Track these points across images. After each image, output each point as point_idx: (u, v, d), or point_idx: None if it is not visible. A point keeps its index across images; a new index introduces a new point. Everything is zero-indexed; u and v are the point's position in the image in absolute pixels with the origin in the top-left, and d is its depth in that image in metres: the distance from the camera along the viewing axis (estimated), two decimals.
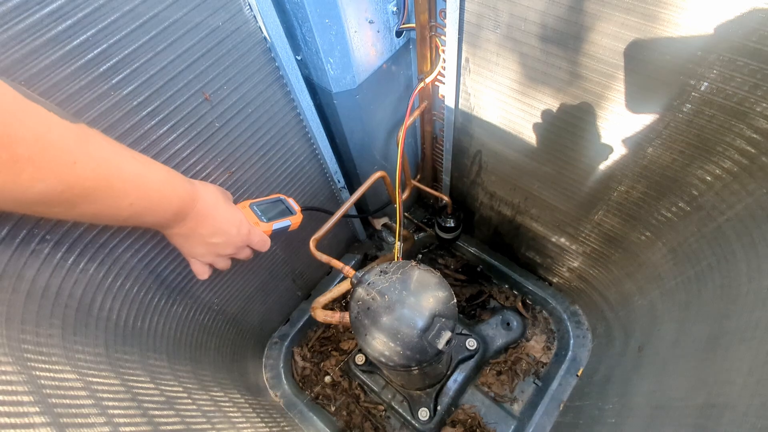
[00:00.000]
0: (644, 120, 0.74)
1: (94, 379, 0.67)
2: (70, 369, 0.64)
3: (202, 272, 0.82)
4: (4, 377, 0.51)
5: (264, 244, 0.86)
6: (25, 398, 0.51)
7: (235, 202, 0.92)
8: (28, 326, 0.62)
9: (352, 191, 1.35)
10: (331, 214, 1.14)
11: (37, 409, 0.50)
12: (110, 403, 0.65)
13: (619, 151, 0.84)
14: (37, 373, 0.57)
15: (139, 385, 0.77)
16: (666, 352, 0.84)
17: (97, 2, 0.58)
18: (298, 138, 1.07)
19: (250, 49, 0.82)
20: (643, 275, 1.02)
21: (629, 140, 0.80)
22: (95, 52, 0.61)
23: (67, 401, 0.57)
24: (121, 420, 0.64)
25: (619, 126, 0.79)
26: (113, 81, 0.65)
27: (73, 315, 0.71)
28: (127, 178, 0.56)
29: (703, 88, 0.64)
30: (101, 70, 0.63)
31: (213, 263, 0.82)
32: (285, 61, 0.87)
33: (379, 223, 1.64)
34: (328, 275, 1.65)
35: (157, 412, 0.74)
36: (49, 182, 0.46)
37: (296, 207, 0.99)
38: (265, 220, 0.89)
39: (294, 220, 0.96)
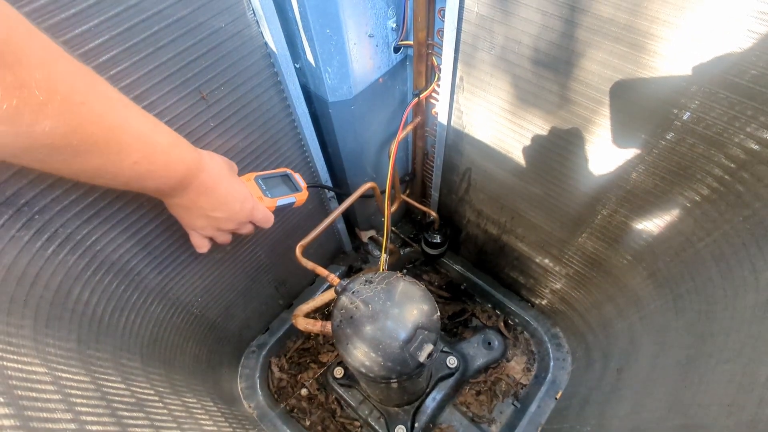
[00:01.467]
0: (630, 146, 0.77)
1: (64, 375, 0.65)
2: (40, 362, 0.62)
3: (201, 245, 0.80)
4: None
5: (267, 220, 0.83)
6: None
7: (241, 173, 0.92)
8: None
9: (340, 202, 1.36)
10: (338, 192, 1.14)
11: (1, 400, 0.48)
12: (78, 401, 0.62)
13: (604, 175, 0.86)
14: (5, 363, 0.55)
15: (110, 384, 0.74)
16: (644, 374, 0.85)
17: None
18: (292, 144, 1.08)
19: (251, 53, 0.83)
20: (624, 299, 1.04)
21: (615, 165, 0.83)
22: (96, 42, 0.61)
23: (34, 395, 0.55)
24: (89, 419, 0.62)
25: (606, 150, 0.82)
26: (111, 72, 0.65)
27: (47, 307, 0.69)
28: (135, 134, 0.54)
29: (685, 118, 0.67)
30: (101, 60, 0.63)
31: (213, 237, 0.79)
32: (284, 67, 0.89)
33: (365, 235, 1.64)
34: (312, 285, 1.64)
35: (126, 413, 0.71)
36: (54, 120, 0.43)
37: (302, 183, 0.95)
38: (269, 195, 0.86)
39: (299, 197, 0.93)
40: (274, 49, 0.84)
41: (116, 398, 0.72)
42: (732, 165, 0.66)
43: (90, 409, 0.64)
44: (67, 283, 0.73)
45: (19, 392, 0.53)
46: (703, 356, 0.67)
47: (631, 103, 0.72)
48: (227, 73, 0.82)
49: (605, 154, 0.83)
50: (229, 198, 0.73)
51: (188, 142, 0.68)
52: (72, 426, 0.58)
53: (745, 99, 0.59)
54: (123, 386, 0.78)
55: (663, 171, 0.76)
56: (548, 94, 0.82)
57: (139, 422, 0.73)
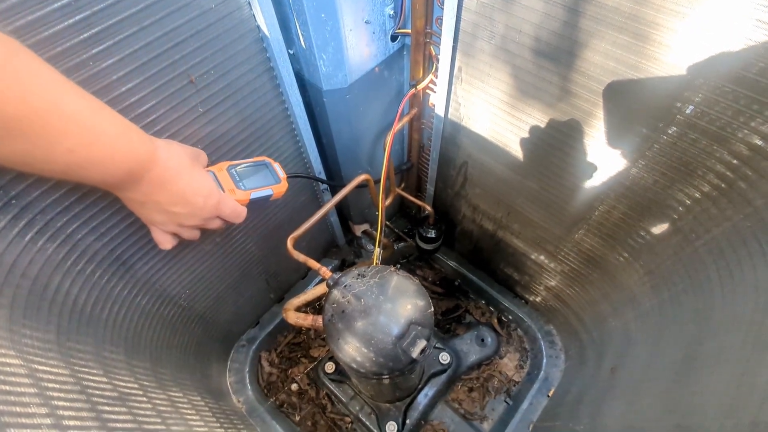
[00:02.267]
0: (630, 140, 0.76)
1: (41, 367, 0.62)
2: (14, 354, 0.59)
3: (163, 241, 0.73)
4: None
5: (237, 215, 0.77)
6: None
7: (216, 161, 0.87)
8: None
9: (334, 194, 1.33)
10: (323, 182, 1.11)
11: None
12: (55, 394, 0.60)
13: (603, 170, 0.85)
14: None
15: (91, 378, 0.72)
16: (639, 374, 0.84)
17: None
18: (284, 134, 1.05)
19: (242, 36, 0.80)
20: (619, 297, 1.02)
21: (614, 160, 0.81)
22: (77, 17, 0.58)
23: (6, 387, 0.52)
24: (66, 413, 0.59)
25: (606, 145, 0.80)
26: (93, 51, 0.62)
27: (24, 296, 0.66)
28: (68, 117, 0.48)
29: (688, 112, 0.65)
30: (82, 37, 0.60)
31: (177, 233, 0.73)
32: (277, 52, 0.86)
33: (359, 229, 1.62)
34: (303, 279, 1.61)
35: (107, 408, 0.68)
36: None
37: (282, 174, 0.88)
38: (243, 187, 0.80)
39: (277, 189, 0.85)
40: (266, 32, 0.81)
41: (97, 392, 0.70)
42: (735, 161, 0.64)
43: (68, 403, 0.62)
44: (46, 273, 0.70)
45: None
46: (701, 356, 0.66)
47: (633, 96, 0.70)
48: (217, 57, 0.79)
49: (605, 149, 0.81)
50: (189, 192, 0.67)
51: (141, 130, 0.61)
52: (47, 421, 0.55)
53: (752, 92, 0.57)
54: (105, 380, 0.76)
55: (663, 167, 0.75)
56: (548, 85, 0.80)
57: (121, 417, 0.71)
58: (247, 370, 1.43)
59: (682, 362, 0.69)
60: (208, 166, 0.82)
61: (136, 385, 0.84)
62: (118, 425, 0.68)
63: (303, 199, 1.28)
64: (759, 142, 0.60)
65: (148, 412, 0.80)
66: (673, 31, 0.59)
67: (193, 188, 0.68)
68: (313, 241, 1.53)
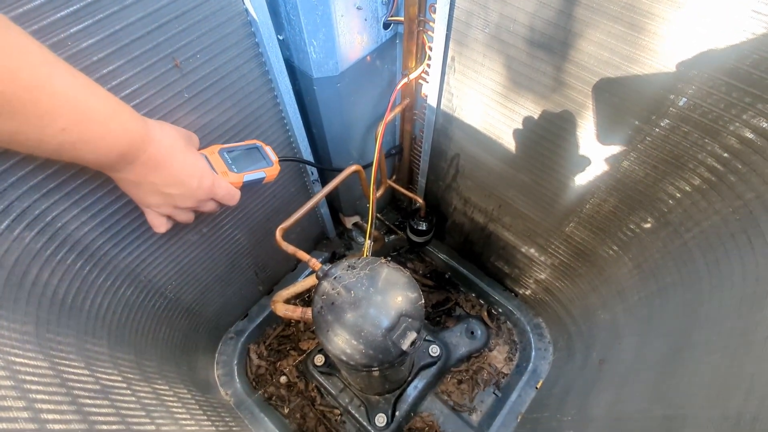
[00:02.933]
0: (622, 132, 0.75)
1: (17, 359, 0.60)
2: None
3: (158, 224, 0.73)
4: None
5: (232, 197, 0.77)
6: None
7: (206, 145, 0.86)
8: None
9: (324, 185, 1.31)
10: (316, 166, 1.10)
11: None
12: (33, 387, 0.58)
13: (595, 163, 0.84)
14: None
15: (72, 370, 0.70)
16: (627, 365, 0.84)
17: None
18: (273, 122, 1.03)
19: (229, 20, 0.78)
20: (608, 290, 1.03)
21: (606, 152, 0.81)
22: None
23: None
24: (45, 406, 0.57)
25: (597, 137, 0.80)
26: (71, 30, 0.59)
27: (0, 286, 0.63)
28: (60, 95, 0.47)
29: (681, 104, 0.65)
30: (59, 15, 0.57)
31: (172, 215, 0.72)
32: (266, 37, 0.83)
33: (349, 221, 1.60)
34: (293, 271, 1.60)
35: (88, 401, 0.67)
36: None
37: (273, 157, 0.88)
38: (235, 170, 0.79)
39: (269, 172, 0.85)
40: (255, 16, 0.79)
41: (78, 385, 0.68)
42: (726, 154, 0.64)
43: (47, 396, 0.60)
44: (24, 263, 0.67)
45: None
46: (688, 348, 0.66)
47: (627, 88, 0.69)
48: (204, 41, 0.76)
49: (595, 142, 0.81)
50: (184, 173, 0.67)
51: (133, 110, 0.60)
52: (24, 414, 0.53)
53: (744, 85, 0.57)
54: (86, 372, 0.74)
55: (655, 160, 0.74)
56: (542, 76, 0.79)
57: (103, 410, 0.69)
58: (235, 362, 1.42)
59: (669, 354, 0.70)
60: (199, 149, 0.80)
61: (119, 378, 0.82)
62: (100, 419, 0.66)
63: (293, 190, 1.26)
64: (750, 135, 0.60)
65: (131, 405, 0.78)
66: (668, 21, 0.59)
67: (188, 169, 0.68)
68: (303, 233, 1.51)
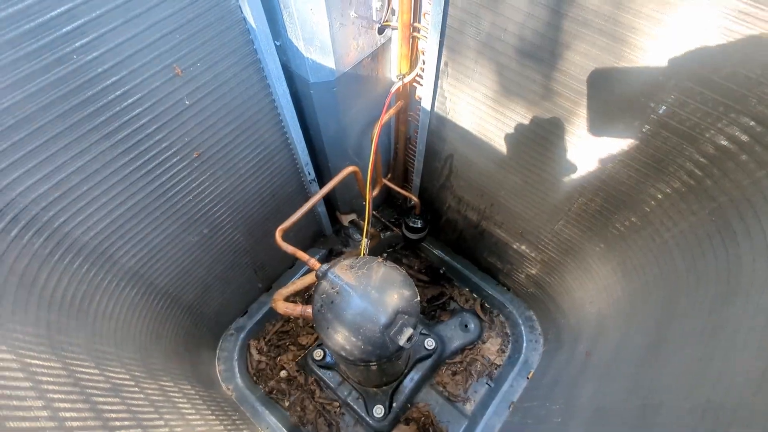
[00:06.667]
0: (608, 138, 0.79)
1: (33, 361, 0.63)
2: (7, 349, 0.59)
3: None
4: None
5: None
6: None
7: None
8: None
9: (321, 185, 1.34)
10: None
11: None
12: (50, 387, 0.61)
13: (582, 165, 0.88)
14: None
15: (83, 370, 0.73)
16: (609, 357, 0.89)
17: None
18: (271, 125, 1.05)
19: (228, 28, 0.80)
20: (594, 285, 1.08)
21: (593, 155, 0.84)
22: (59, 10, 0.57)
23: (2, 382, 0.53)
24: (62, 405, 0.61)
25: (585, 142, 0.83)
26: (76, 44, 0.61)
27: (12, 292, 0.66)
28: None
29: (661, 111, 0.68)
30: (64, 30, 0.59)
31: None
32: (263, 44, 0.86)
33: (346, 219, 1.63)
34: (291, 268, 1.63)
35: (101, 399, 0.70)
36: None
37: None
38: None
39: None
40: (253, 24, 0.81)
41: (90, 384, 0.71)
42: (702, 160, 0.68)
43: (63, 396, 0.63)
44: (33, 268, 0.70)
45: None
46: (664, 342, 0.71)
47: (611, 96, 0.73)
48: (204, 49, 0.78)
49: (584, 145, 0.84)
50: None
51: None
52: (44, 413, 0.56)
53: (718, 96, 0.61)
54: (97, 371, 0.77)
55: (637, 163, 0.78)
56: (531, 83, 0.82)
57: (115, 407, 0.72)
58: (236, 358, 1.45)
59: (647, 348, 0.74)
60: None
61: (127, 376, 0.85)
62: (113, 415, 0.70)
63: (290, 191, 1.28)
64: (725, 143, 0.64)
65: (141, 402, 0.81)
66: (649, 35, 0.62)
67: None
68: (301, 231, 1.54)
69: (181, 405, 0.96)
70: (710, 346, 0.58)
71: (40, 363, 0.64)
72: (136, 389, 0.84)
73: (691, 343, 0.63)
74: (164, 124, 0.80)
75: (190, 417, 0.95)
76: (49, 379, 0.63)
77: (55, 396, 0.61)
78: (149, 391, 0.87)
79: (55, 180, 0.69)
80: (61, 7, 0.58)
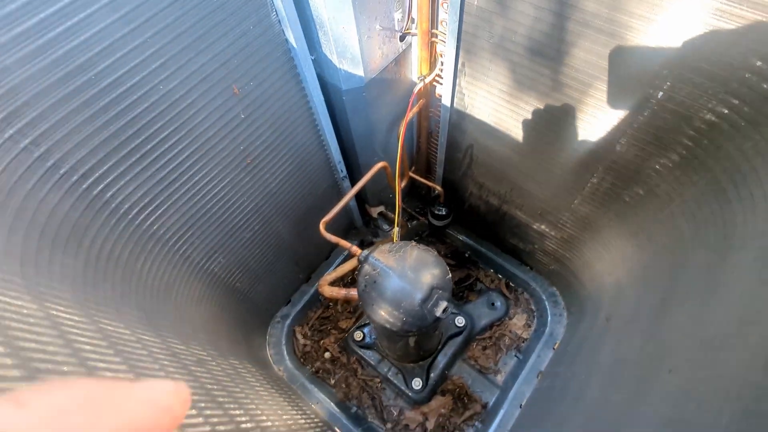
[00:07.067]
0: (614, 121, 0.88)
1: (143, 337, 0.77)
2: (127, 330, 0.74)
3: None
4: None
5: None
6: (102, 343, 0.61)
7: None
8: (105, 306, 0.72)
9: (352, 181, 1.47)
10: None
11: (118, 358, 0.61)
12: (161, 356, 0.75)
13: (592, 148, 0.98)
14: (101, 322, 0.67)
15: (177, 346, 0.87)
16: (627, 318, 0.99)
17: (158, 6, 0.68)
18: (308, 130, 1.18)
19: (274, 49, 0.93)
20: (611, 257, 1.17)
21: (602, 138, 0.94)
22: (150, 52, 0.71)
23: (128, 349, 0.68)
24: (171, 370, 0.75)
25: (594, 126, 0.93)
26: (163, 76, 0.75)
27: (119, 282, 0.81)
28: None
29: (659, 96, 0.78)
30: (153, 67, 0.73)
31: None
32: (302, 60, 0.98)
33: (375, 211, 1.76)
34: (327, 260, 1.77)
35: (194, 368, 0.84)
36: None
37: None
38: None
39: None
40: (294, 44, 0.94)
41: (183, 356, 0.86)
42: (696, 135, 0.77)
43: (168, 363, 0.77)
44: (132, 259, 0.85)
45: (121, 347, 0.65)
46: (673, 299, 0.80)
47: (614, 85, 0.82)
48: (255, 69, 0.91)
49: (593, 130, 0.94)
50: None
51: None
52: (161, 374, 0.71)
53: (707, 80, 0.70)
54: (183, 347, 0.91)
55: (642, 142, 0.88)
56: (542, 78, 0.92)
57: (205, 375, 0.87)
58: (283, 343, 1.60)
59: (658, 305, 0.84)
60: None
61: (205, 353, 1.00)
62: (204, 381, 0.84)
63: (325, 187, 1.41)
64: (714, 119, 0.73)
65: (220, 374, 0.96)
66: (643, 33, 0.71)
67: None
68: (335, 225, 1.67)
69: (248, 378, 1.11)
70: (707, 299, 0.67)
71: (149, 339, 0.78)
72: (214, 363, 0.99)
73: (693, 300, 0.72)
74: (225, 136, 0.94)
75: (258, 388, 1.10)
76: (158, 350, 0.77)
77: (165, 363, 0.75)
78: (225, 365, 1.02)
79: (147, 187, 0.84)
80: (149, 50, 0.71)
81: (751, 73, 0.64)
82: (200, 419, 0.67)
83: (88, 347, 0.58)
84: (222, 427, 0.71)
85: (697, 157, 0.78)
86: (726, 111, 0.70)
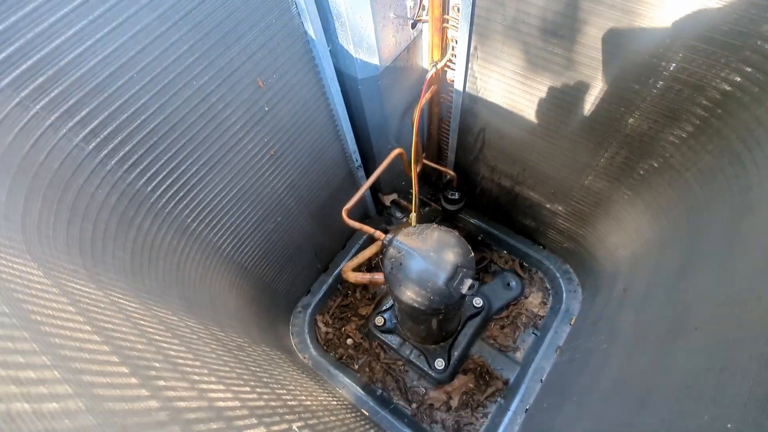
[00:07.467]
0: (627, 96, 0.91)
1: (189, 323, 0.81)
2: (175, 317, 0.78)
3: None
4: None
5: None
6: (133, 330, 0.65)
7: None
8: (153, 295, 0.75)
9: (366, 170, 1.50)
10: None
11: (176, 341, 0.65)
12: (208, 340, 0.79)
13: (605, 123, 1.01)
14: (153, 308, 0.71)
15: (218, 333, 0.91)
16: (645, 288, 1.03)
17: (191, 5, 0.71)
18: (326, 120, 1.21)
19: (294, 42, 0.95)
20: (625, 231, 1.20)
21: (614, 113, 0.97)
22: (184, 48, 0.74)
23: (180, 333, 0.72)
24: (220, 353, 0.79)
25: (607, 102, 0.96)
26: (195, 71, 0.78)
27: (162, 276, 0.85)
28: None
29: (672, 69, 0.81)
30: (186, 63, 0.76)
31: None
32: (321, 51, 1.01)
33: (388, 199, 1.79)
34: (343, 249, 1.80)
35: (236, 352, 0.88)
36: None
37: None
38: None
39: None
40: (313, 36, 0.96)
41: (225, 341, 0.89)
42: (709, 104, 0.80)
43: (216, 347, 0.81)
44: (170, 255, 0.88)
45: (154, 337, 0.69)
46: (692, 263, 0.84)
47: (627, 60, 0.85)
48: (277, 62, 0.94)
49: (606, 106, 0.97)
50: None
51: None
52: (197, 364, 0.74)
53: (719, 49, 0.73)
54: (223, 334, 0.95)
55: (655, 115, 0.91)
56: (555, 57, 0.95)
57: (246, 359, 0.90)
58: (306, 331, 1.64)
59: (677, 269, 0.88)
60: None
61: (240, 340, 1.04)
62: (249, 363, 0.88)
63: (342, 177, 1.45)
64: (728, 88, 0.76)
65: (256, 357, 1.00)
66: (655, 6, 0.74)
67: None
68: (350, 214, 1.70)
69: (281, 364, 1.15)
70: (723, 261, 0.71)
71: (194, 325, 0.82)
72: (251, 350, 1.03)
73: (711, 262, 0.76)
74: (251, 129, 0.97)
75: (291, 372, 1.14)
76: (204, 335, 0.81)
77: (213, 346, 0.79)
78: (259, 351, 1.06)
79: (189, 188, 0.87)
80: (185, 45, 0.74)
81: (763, 39, 0.67)
82: (254, 395, 0.71)
83: (150, 329, 0.61)
84: (273, 403, 0.74)
85: (711, 125, 0.81)
86: (739, 79, 0.73)
